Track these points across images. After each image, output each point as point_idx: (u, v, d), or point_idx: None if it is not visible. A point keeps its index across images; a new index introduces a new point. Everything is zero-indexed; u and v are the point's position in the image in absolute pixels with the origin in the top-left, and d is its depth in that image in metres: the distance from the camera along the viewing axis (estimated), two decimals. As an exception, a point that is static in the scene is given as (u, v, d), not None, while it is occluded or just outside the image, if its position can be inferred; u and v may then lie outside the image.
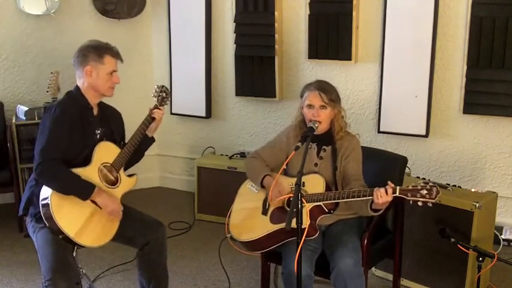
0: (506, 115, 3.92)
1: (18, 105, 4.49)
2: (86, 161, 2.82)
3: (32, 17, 4.62)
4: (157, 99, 3.06)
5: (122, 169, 2.93)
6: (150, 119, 3.01)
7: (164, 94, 3.08)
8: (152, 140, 3.09)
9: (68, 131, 2.78)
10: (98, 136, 2.92)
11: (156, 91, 3.08)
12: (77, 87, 2.91)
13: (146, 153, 3.12)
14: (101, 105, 3.00)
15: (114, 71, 2.90)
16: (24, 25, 4.68)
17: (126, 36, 4.95)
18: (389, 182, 2.62)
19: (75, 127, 2.82)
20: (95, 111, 2.95)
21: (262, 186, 2.94)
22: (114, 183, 2.91)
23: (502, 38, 3.77)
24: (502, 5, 3.75)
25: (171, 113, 5.01)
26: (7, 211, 4.60)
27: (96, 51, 2.86)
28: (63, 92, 3.92)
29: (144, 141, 3.01)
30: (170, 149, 5.20)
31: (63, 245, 2.73)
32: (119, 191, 2.91)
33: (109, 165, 2.89)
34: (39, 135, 2.79)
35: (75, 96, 2.90)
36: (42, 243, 2.75)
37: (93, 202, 2.80)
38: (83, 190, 2.75)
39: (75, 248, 2.82)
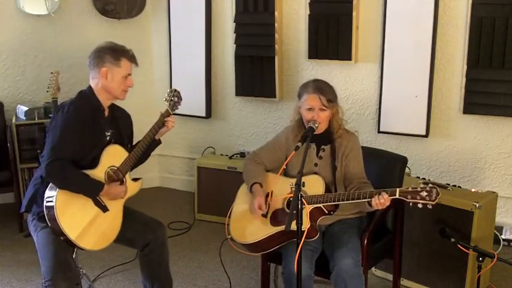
0: (506, 115, 3.92)
1: (18, 105, 4.49)
2: (94, 163, 2.81)
3: (32, 17, 4.62)
4: (169, 104, 3.07)
5: (128, 173, 2.92)
6: (162, 125, 3.00)
7: (176, 99, 3.08)
8: (159, 142, 3.09)
9: (79, 130, 2.76)
10: (107, 138, 2.90)
11: (168, 95, 3.08)
12: (90, 88, 2.89)
13: (146, 153, 3.12)
14: (112, 106, 2.98)
15: (129, 74, 2.90)
16: (24, 25, 4.67)
17: (126, 36, 4.93)
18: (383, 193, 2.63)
19: (86, 127, 2.80)
20: (106, 113, 2.93)
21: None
22: None
23: (502, 38, 3.77)
24: (502, 5, 3.74)
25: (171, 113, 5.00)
26: (7, 211, 4.60)
27: (113, 53, 2.85)
28: (64, 92, 3.93)
29: (151, 144, 3.01)
30: (170, 149, 5.20)
31: (63, 246, 2.73)
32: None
33: (116, 168, 2.88)
34: (51, 132, 2.76)
35: (88, 96, 2.88)
36: (43, 243, 2.75)
37: (98, 204, 2.79)
38: (93, 188, 2.76)
39: (75, 249, 2.82)
